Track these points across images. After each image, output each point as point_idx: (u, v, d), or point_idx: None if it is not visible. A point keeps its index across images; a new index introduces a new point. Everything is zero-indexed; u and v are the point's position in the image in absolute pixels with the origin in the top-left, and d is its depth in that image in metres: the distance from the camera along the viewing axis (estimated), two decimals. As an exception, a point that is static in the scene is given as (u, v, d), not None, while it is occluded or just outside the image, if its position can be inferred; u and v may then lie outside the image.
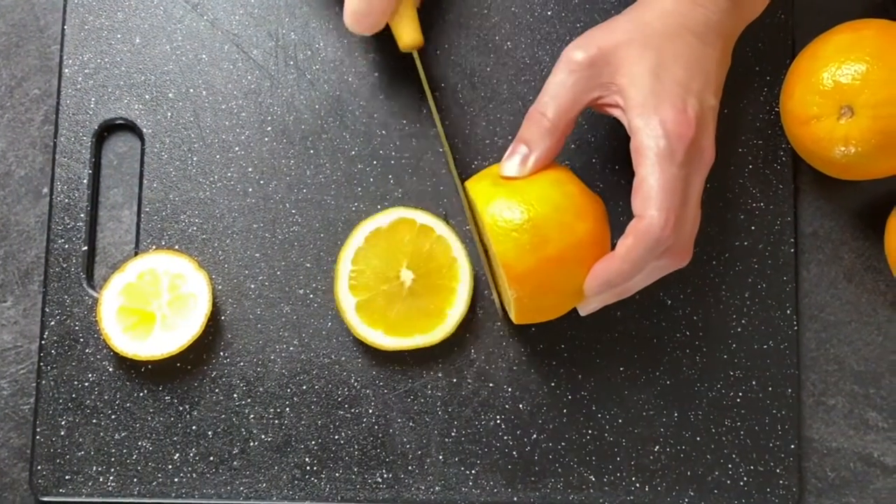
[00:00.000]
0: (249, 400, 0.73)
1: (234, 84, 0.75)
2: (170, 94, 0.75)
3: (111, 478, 0.72)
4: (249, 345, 0.74)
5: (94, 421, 0.73)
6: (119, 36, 0.76)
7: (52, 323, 0.73)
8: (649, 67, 0.64)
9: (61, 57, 0.75)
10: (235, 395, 0.73)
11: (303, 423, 0.73)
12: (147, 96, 0.75)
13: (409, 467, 0.73)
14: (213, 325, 0.73)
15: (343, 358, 0.74)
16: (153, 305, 0.72)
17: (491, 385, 0.74)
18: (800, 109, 0.70)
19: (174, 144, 0.75)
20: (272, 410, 0.73)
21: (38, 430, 0.72)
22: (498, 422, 0.73)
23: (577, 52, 0.65)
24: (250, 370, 0.73)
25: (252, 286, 0.74)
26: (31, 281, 0.75)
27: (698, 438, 0.73)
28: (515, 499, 0.73)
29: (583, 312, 0.69)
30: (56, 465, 0.72)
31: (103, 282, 0.73)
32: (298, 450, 0.73)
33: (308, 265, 0.74)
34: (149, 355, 0.71)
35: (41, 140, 0.76)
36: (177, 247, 0.74)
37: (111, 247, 0.75)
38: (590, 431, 0.73)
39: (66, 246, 0.74)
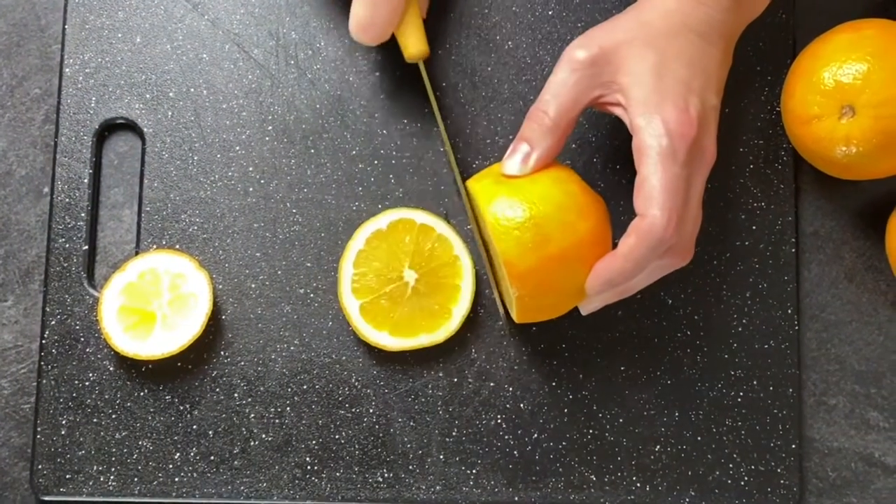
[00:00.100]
0: (250, 399, 0.73)
1: (235, 83, 0.75)
2: (170, 94, 0.75)
3: (112, 477, 0.72)
4: (250, 344, 0.74)
5: (95, 420, 0.72)
6: (120, 35, 0.76)
7: (53, 322, 0.73)
8: (651, 66, 0.64)
9: (62, 56, 0.75)
10: (236, 395, 0.73)
11: (303, 422, 0.73)
12: (148, 96, 0.75)
13: (410, 467, 0.73)
14: (214, 324, 0.73)
15: (344, 357, 0.73)
16: (154, 305, 0.72)
17: (492, 384, 0.73)
18: (801, 109, 0.70)
19: (175, 144, 0.75)
20: (273, 410, 0.73)
21: (38, 429, 0.72)
22: (499, 421, 0.73)
23: (578, 51, 0.65)
24: (251, 370, 0.73)
25: (253, 285, 0.74)
26: (31, 280, 0.75)
27: (699, 438, 0.73)
28: (516, 498, 0.73)
29: (584, 312, 0.69)
30: (57, 464, 0.72)
31: (104, 281, 0.73)
32: (299, 449, 0.73)
33: (309, 265, 0.74)
34: (149, 355, 0.71)
35: (42, 139, 0.76)
36: (177, 246, 0.74)
37: (112, 246, 0.75)
38: (591, 431, 0.73)
39: (67, 245, 0.74)
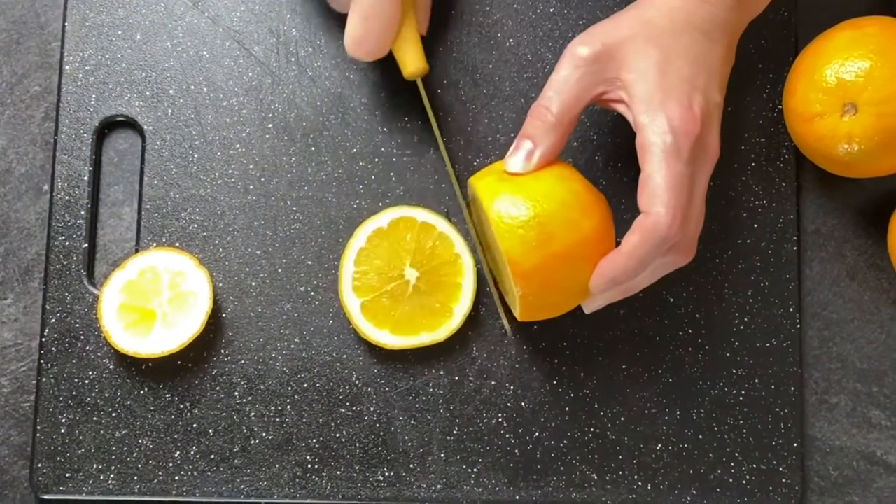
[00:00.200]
0: (250, 398, 0.73)
1: (236, 81, 0.75)
2: (171, 91, 0.75)
3: (112, 476, 0.72)
4: (250, 342, 0.73)
5: (95, 419, 0.72)
6: (120, 33, 0.75)
7: (53, 320, 0.73)
8: (655, 63, 0.64)
9: (62, 54, 0.75)
10: (236, 393, 0.73)
11: (304, 421, 0.73)
12: (148, 93, 0.75)
13: (411, 465, 0.72)
14: (214, 322, 0.73)
15: (344, 356, 0.73)
16: (154, 303, 0.72)
17: (493, 383, 0.73)
18: (803, 107, 0.70)
19: (175, 141, 0.75)
20: (273, 408, 0.73)
21: (38, 427, 0.72)
22: (500, 420, 0.73)
23: (581, 48, 0.65)
24: (251, 368, 0.73)
25: (253, 284, 0.74)
26: (31, 278, 0.75)
27: (701, 437, 0.73)
28: (517, 497, 0.72)
29: (588, 310, 0.69)
30: (56, 462, 0.72)
31: (104, 279, 0.73)
32: (299, 448, 0.73)
33: (309, 263, 0.74)
34: (149, 353, 0.71)
35: (42, 137, 0.76)
36: (177, 244, 0.74)
37: (112, 244, 0.75)
38: (592, 429, 0.73)
39: (67, 243, 0.74)
